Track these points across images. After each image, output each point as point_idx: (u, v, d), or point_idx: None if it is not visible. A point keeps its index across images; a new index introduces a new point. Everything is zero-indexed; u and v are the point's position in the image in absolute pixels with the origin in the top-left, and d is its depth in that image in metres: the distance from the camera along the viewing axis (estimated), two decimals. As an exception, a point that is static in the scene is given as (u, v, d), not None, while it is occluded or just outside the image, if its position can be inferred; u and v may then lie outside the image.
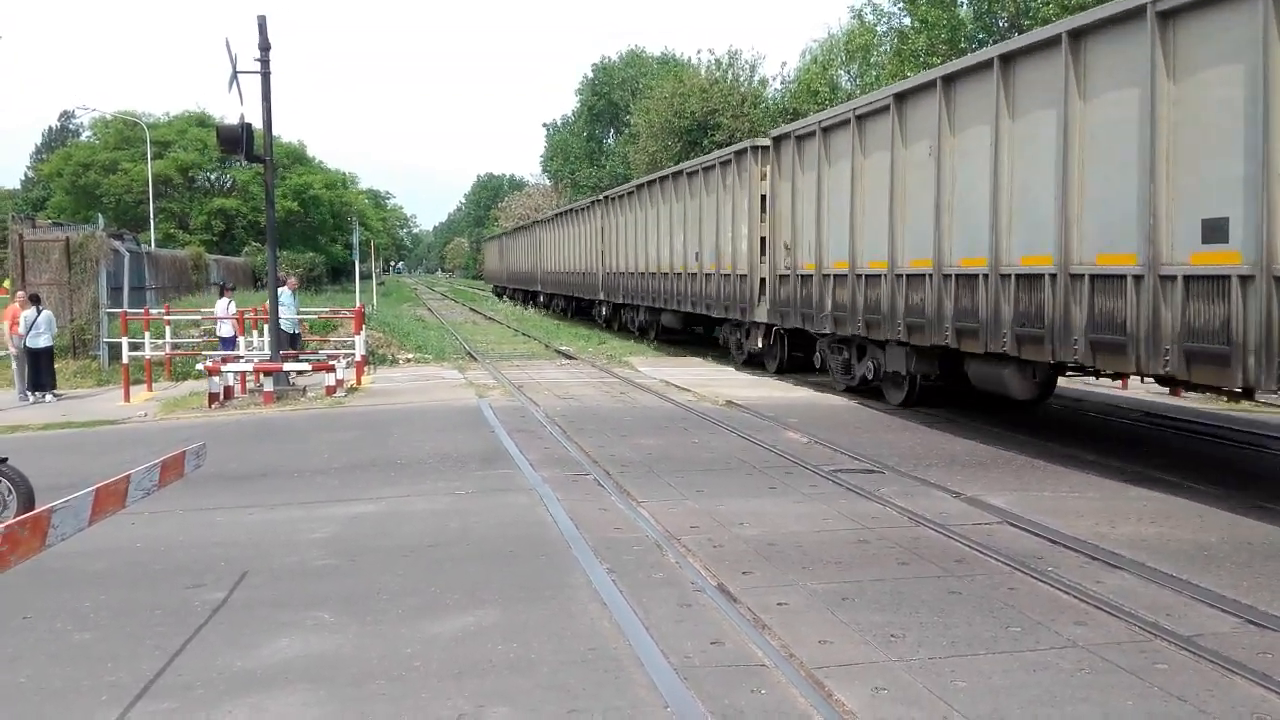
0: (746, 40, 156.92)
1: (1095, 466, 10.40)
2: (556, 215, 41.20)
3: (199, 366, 18.69)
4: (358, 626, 6.01)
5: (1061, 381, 14.28)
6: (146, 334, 19.45)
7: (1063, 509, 8.61)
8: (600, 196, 32.89)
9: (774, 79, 52.54)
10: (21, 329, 17.17)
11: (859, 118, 14.55)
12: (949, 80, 12.35)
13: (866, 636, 5.69)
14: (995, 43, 26.06)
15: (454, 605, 6.36)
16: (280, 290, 20.27)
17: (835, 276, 15.43)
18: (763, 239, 18.52)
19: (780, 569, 6.97)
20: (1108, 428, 13.20)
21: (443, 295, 75.63)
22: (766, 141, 18.62)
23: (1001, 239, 11.32)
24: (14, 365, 17.77)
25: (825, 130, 15.79)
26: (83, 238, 22.11)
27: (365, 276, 52.69)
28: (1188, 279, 8.86)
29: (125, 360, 17.96)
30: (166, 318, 21.15)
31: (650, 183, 26.51)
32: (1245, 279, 8.30)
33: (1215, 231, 8.63)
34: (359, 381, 18.50)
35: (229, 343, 20.46)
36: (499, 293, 62.66)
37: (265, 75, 16.54)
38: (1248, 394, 8.92)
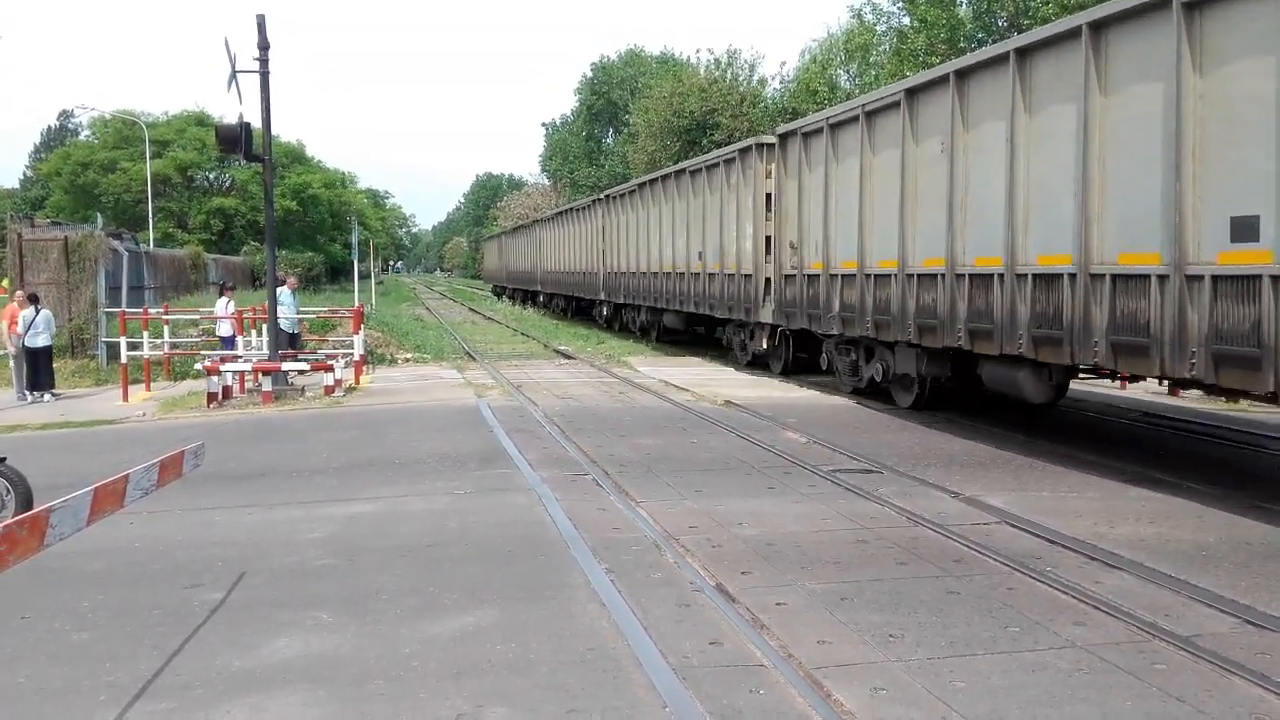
0: (745, 40, 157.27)
1: (1094, 466, 10.40)
2: (557, 214, 40.93)
3: (197, 366, 18.70)
4: (356, 626, 6.01)
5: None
6: (145, 333, 19.44)
7: (1061, 509, 8.62)
8: (601, 195, 32.60)
9: (773, 78, 52.49)
10: (20, 328, 17.16)
11: (868, 114, 14.28)
12: (962, 75, 12.06)
13: (865, 636, 5.69)
14: (994, 42, 26.08)
15: (452, 605, 6.36)
16: (280, 290, 20.28)
17: (843, 276, 15.14)
18: (768, 238, 18.29)
19: (779, 569, 6.97)
20: (1106, 428, 13.21)
21: (441, 295, 75.64)
22: (772, 139, 18.33)
23: (1018, 238, 11.05)
24: (12, 365, 17.76)
25: (833, 127, 15.49)
26: (81, 237, 22.11)
27: (364, 276, 52.68)
28: (1215, 279, 8.57)
29: (124, 360, 17.95)
30: (165, 317, 21.13)
31: (652, 181, 26.19)
32: (1277, 279, 8.05)
33: (1245, 230, 8.34)
34: (357, 381, 18.50)
35: (229, 342, 20.46)
36: (498, 292, 62.62)
37: (264, 75, 16.53)
38: (1277, 399, 8.55)
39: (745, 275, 19.11)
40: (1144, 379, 10.68)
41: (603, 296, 31.94)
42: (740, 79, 49.01)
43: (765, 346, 19.05)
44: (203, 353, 20.13)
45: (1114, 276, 9.69)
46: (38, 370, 17.49)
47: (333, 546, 7.81)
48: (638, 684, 5.10)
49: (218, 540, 8.07)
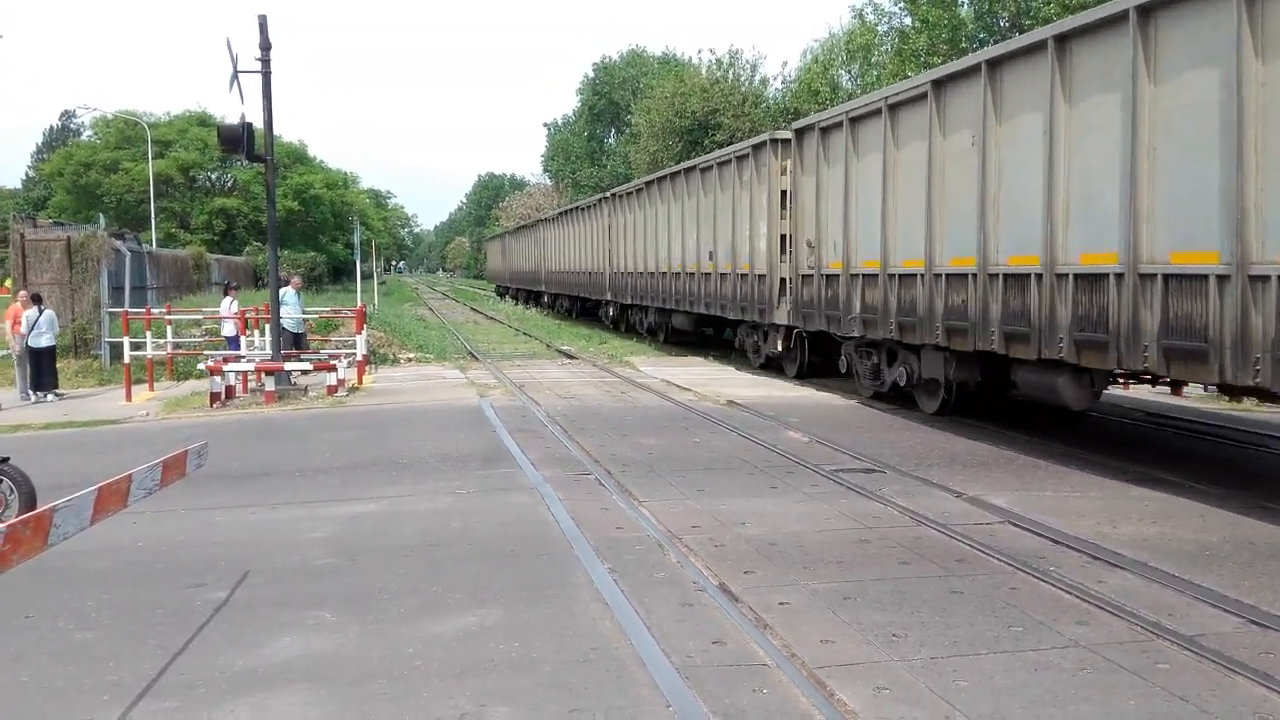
0: (747, 40, 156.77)
1: (1097, 466, 10.39)
2: (562, 213, 40.46)
3: (200, 366, 18.71)
4: (359, 626, 6.02)
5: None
6: (148, 333, 19.45)
7: (1064, 509, 8.61)
8: (608, 194, 32.13)
9: (775, 79, 52.45)
10: (23, 329, 17.18)
11: (891, 107, 13.71)
12: (995, 65, 11.51)
13: (868, 636, 5.69)
14: (995, 43, 26.04)
15: (455, 605, 6.36)
16: (284, 290, 20.32)
17: (865, 276, 14.59)
18: (783, 237, 17.75)
19: (782, 568, 6.97)
20: (1109, 427, 13.19)
21: (444, 295, 75.66)
22: (787, 134, 17.79)
23: (1057, 235, 10.48)
24: (16, 365, 17.78)
25: (854, 121, 14.91)
26: (84, 237, 22.12)
27: (366, 276, 52.76)
28: None
29: (127, 360, 17.97)
30: (168, 317, 21.16)
31: (661, 179, 25.69)
32: None
33: None
34: (360, 381, 18.50)
35: (234, 342, 20.48)
36: (501, 293, 62.56)
37: (266, 75, 16.55)
38: None
39: (759, 275, 18.59)
40: (1207, 389, 10.43)
41: (609, 297, 31.54)
42: (742, 79, 48.95)
43: (780, 349, 18.49)
44: (206, 353, 20.16)
45: (1166, 276, 9.12)
46: (41, 370, 17.51)
47: (335, 546, 7.81)
48: (641, 683, 5.10)
49: (220, 540, 8.07)
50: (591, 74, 74.07)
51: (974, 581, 6.66)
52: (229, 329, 20.89)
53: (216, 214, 58.96)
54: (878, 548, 7.47)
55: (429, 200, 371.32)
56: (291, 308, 20.37)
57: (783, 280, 17.85)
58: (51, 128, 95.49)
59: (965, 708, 4.76)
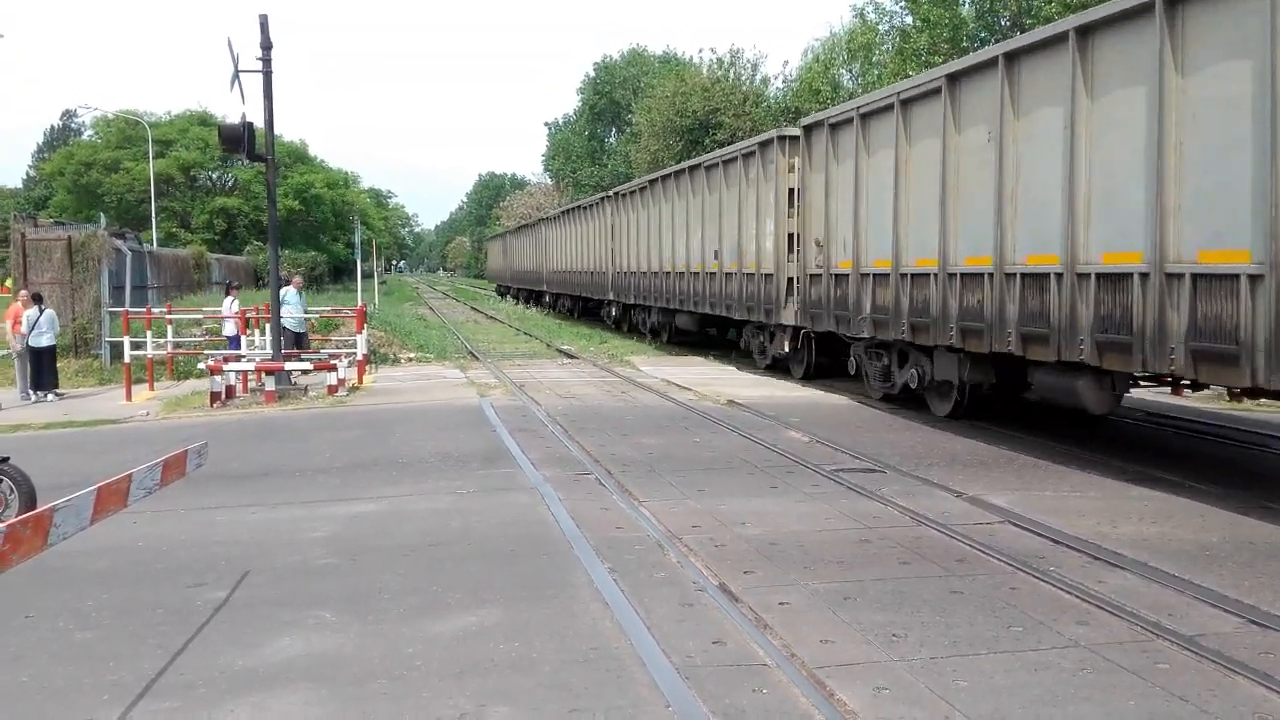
0: (748, 39, 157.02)
1: (1097, 466, 10.39)
2: (564, 212, 40.13)
3: (201, 365, 18.71)
4: (359, 626, 6.02)
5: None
6: (148, 333, 19.46)
7: (1064, 509, 8.61)
8: (611, 192, 31.71)
9: (776, 78, 52.44)
10: (24, 328, 17.19)
11: (904, 102, 13.39)
12: (1012, 58, 11.17)
13: (868, 636, 5.69)
14: (997, 42, 26.04)
15: (455, 604, 6.36)
16: (286, 289, 20.36)
17: (875, 276, 14.24)
18: (791, 236, 17.42)
19: (782, 568, 6.97)
20: (1109, 427, 13.19)
21: (444, 294, 75.67)
22: (795, 131, 17.41)
23: (1078, 234, 10.17)
24: (16, 364, 17.79)
25: (864, 117, 14.57)
26: (85, 237, 22.13)
27: (367, 275, 52.77)
28: None
29: (127, 359, 17.97)
30: (168, 317, 21.17)
31: (665, 177, 25.27)
32: None
33: None
34: (360, 381, 18.51)
35: (235, 342, 20.49)
36: (502, 292, 62.50)
37: (267, 74, 16.55)
38: None
39: (766, 275, 18.24)
40: (1233, 394, 10.15)
41: (611, 297, 31.17)
42: (743, 78, 48.96)
43: (787, 349, 18.16)
44: (206, 352, 20.16)
45: (1195, 276, 8.80)
46: (41, 370, 17.51)
47: (335, 546, 7.82)
48: (641, 683, 5.10)
49: (221, 539, 8.07)
50: (592, 73, 74.15)
51: (974, 581, 6.66)
52: (230, 329, 20.90)
53: (217, 213, 58.97)
54: (878, 548, 7.47)
55: (429, 200, 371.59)
56: (293, 307, 20.38)
57: (790, 280, 17.54)
58: (52, 127, 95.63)
59: (965, 708, 4.76)
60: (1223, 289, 8.58)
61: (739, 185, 19.61)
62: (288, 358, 17.76)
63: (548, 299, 45.14)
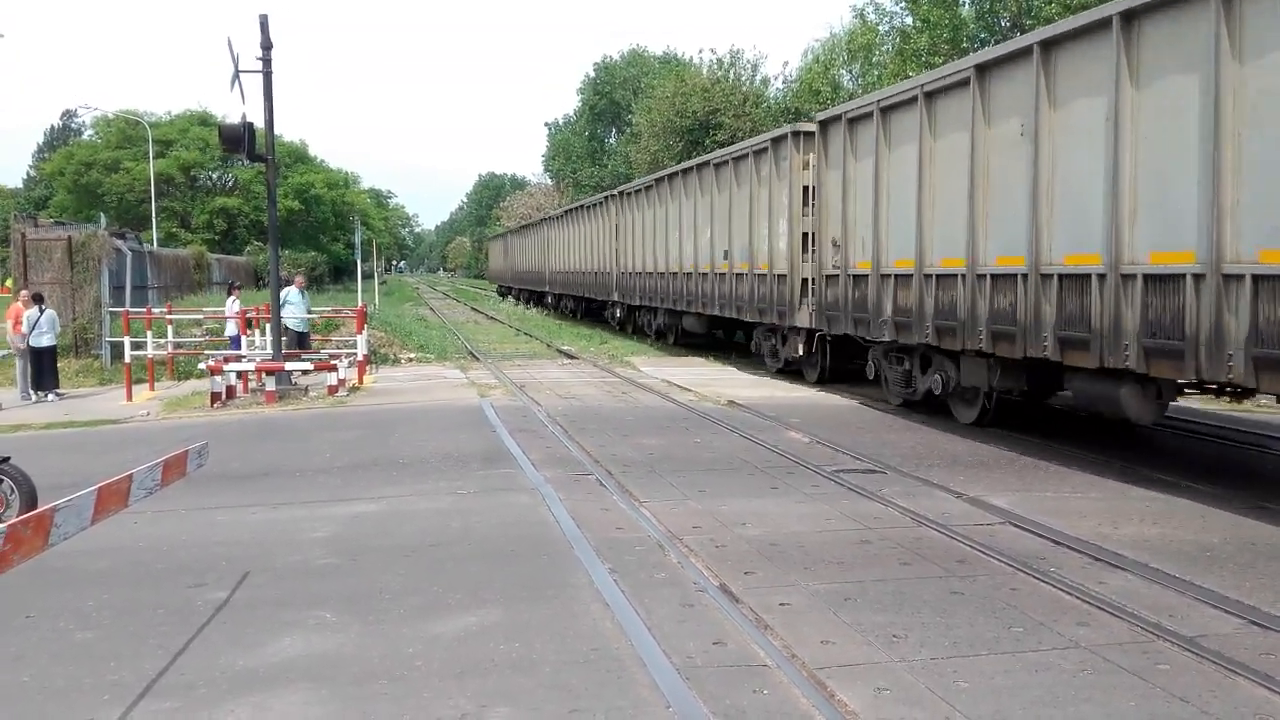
0: (748, 39, 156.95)
1: (1097, 467, 10.39)
2: (567, 212, 39.68)
3: (201, 366, 18.72)
4: (360, 626, 6.02)
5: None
6: (149, 333, 19.48)
7: (1065, 509, 8.61)
8: (615, 191, 31.21)
9: (775, 78, 52.49)
10: (24, 328, 17.19)
11: (928, 95, 12.77)
12: (1049, 46, 10.56)
13: (869, 637, 5.69)
14: (998, 42, 26.04)
15: (456, 605, 6.36)
16: (288, 289, 20.38)
17: (897, 277, 13.62)
18: (805, 235, 16.83)
19: (782, 569, 6.97)
20: (1109, 428, 13.18)
21: (445, 295, 75.68)
22: (810, 126, 16.80)
23: (1123, 233, 9.55)
24: (17, 364, 17.79)
25: (885, 111, 13.91)
26: (85, 237, 22.14)
27: (367, 276, 52.78)
28: None
29: (127, 359, 17.98)
30: (168, 317, 21.17)
31: (671, 175, 24.65)
32: None
33: None
34: (361, 381, 18.51)
35: (236, 342, 20.49)
36: (503, 293, 62.44)
37: (267, 74, 16.56)
38: None
39: (779, 275, 17.62)
40: None
41: (616, 298, 30.64)
42: (743, 79, 49.02)
43: (800, 353, 17.51)
44: (206, 352, 20.16)
45: (1256, 278, 8.23)
46: (42, 370, 17.52)
47: (336, 546, 7.82)
48: (641, 684, 5.10)
49: (221, 540, 8.08)
50: (592, 74, 74.22)
51: (974, 582, 6.66)
52: (232, 329, 20.90)
53: (217, 213, 58.98)
54: (878, 548, 7.47)
55: (430, 200, 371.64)
56: (296, 306, 20.40)
57: (804, 281, 16.97)
58: (52, 127, 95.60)
59: (966, 708, 4.76)
60: None
61: (750, 183, 19.03)
62: (289, 357, 17.76)
63: (550, 300, 44.68)
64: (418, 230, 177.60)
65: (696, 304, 22.52)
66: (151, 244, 38.88)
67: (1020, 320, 11.01)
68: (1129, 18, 9.49)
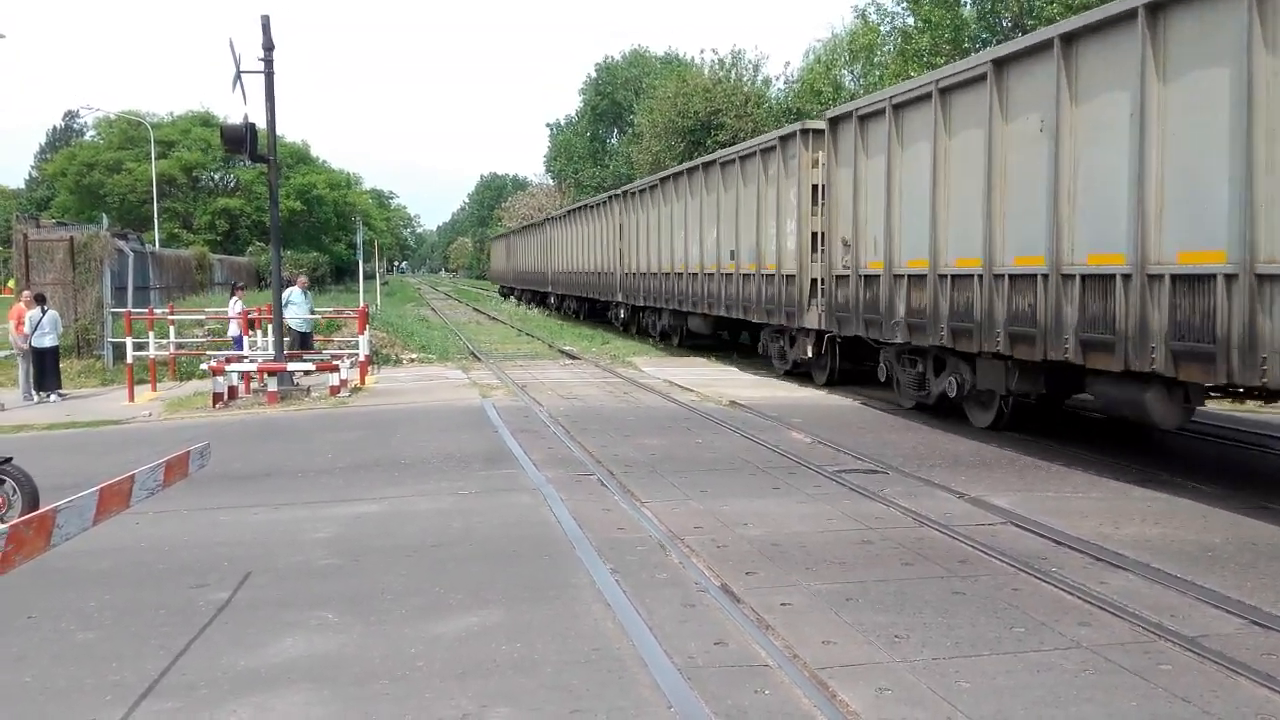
0: (750, 40, 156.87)
1: (1099, 467, 10.38)
2: (570, 211, 39.36)
3: (203, 366, 18.73)
4: (361, 626, 6.02)
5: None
6: (151, 334, 19.49)
7: (1066, 509, 8.61)
8: (619, 191, 30.90)
9: (777, 79, 52.52)
10: (26, 329, 17.21)
11: (943, 91, 12.47)
12: (1070, 40, 10.25)
13: (870, 637, 5.69)
14: (998, 43, 26.02)
15: (457, 605, 6.36)
16: (291, 290, 20.42)
17: (911, 277, 13.31)
18: (814, 235, 16.56)
19: (784, 569, 6.97)
20: (1111, 428, 13.17)
21: (446, 295, 75.70)
22: (819, 124, 16.55)
23: (1149, 232, 9.24)
24: (19, 365, 17.81)
25: (897, 107, 13.58)
26: (87, 237, 22.16)
27: (369, 276, 52.74)
28: None
29: (129, 360, 17.99)
30: (170, 317, 21.19)
31: (677, 175, 24.33)
32: None
33: None
34: (363, 381, 18.52)
35: (239, 342, 20.50)
36: (505, 293, 62.41)
37: (269, 75, 16.57)
38: None
39: (787, 276, 17.38)
40: None
41: (619, 298, 30.32)
42: (745, 79, 49.01)
43: (809, 355, 17.17)
44: (208, 353, 20.18)
45: None
46: (44, 370, 17.53)
47: (338, 546, 7.82)
48: (642, 684, 5.10)
49: (223, 540, 8.08)
50: (594, 74, 74.19)
51: (976, 582, 6.66)
52: (234, 329, 20.91)
53: (219, 214, 59.03)
54: (880, 548, 7.47)
55: (431, 200, 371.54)
56: (299, 307, 20.42)
57: (814, 281, 16.70)
58: (54, 128, 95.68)
59: (967, 708, 4.76)
60: None
61: (757, 182, 18.71)
62: (292, 358, 17.78)
63: (552, 300, 44.44)
64: (419, 231, 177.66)
65: (702, 305, 22.24)
66: (153, 245, 38.92)
67: (1040, 322, 10.73)
68: (1154, 9, 9.21)
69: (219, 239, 56.80)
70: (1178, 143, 9.07)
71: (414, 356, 24.09)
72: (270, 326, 18.88)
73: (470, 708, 4.86)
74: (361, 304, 26.43)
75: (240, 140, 15.97)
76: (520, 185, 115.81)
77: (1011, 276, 11.26)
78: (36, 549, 4.24)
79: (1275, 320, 8.11)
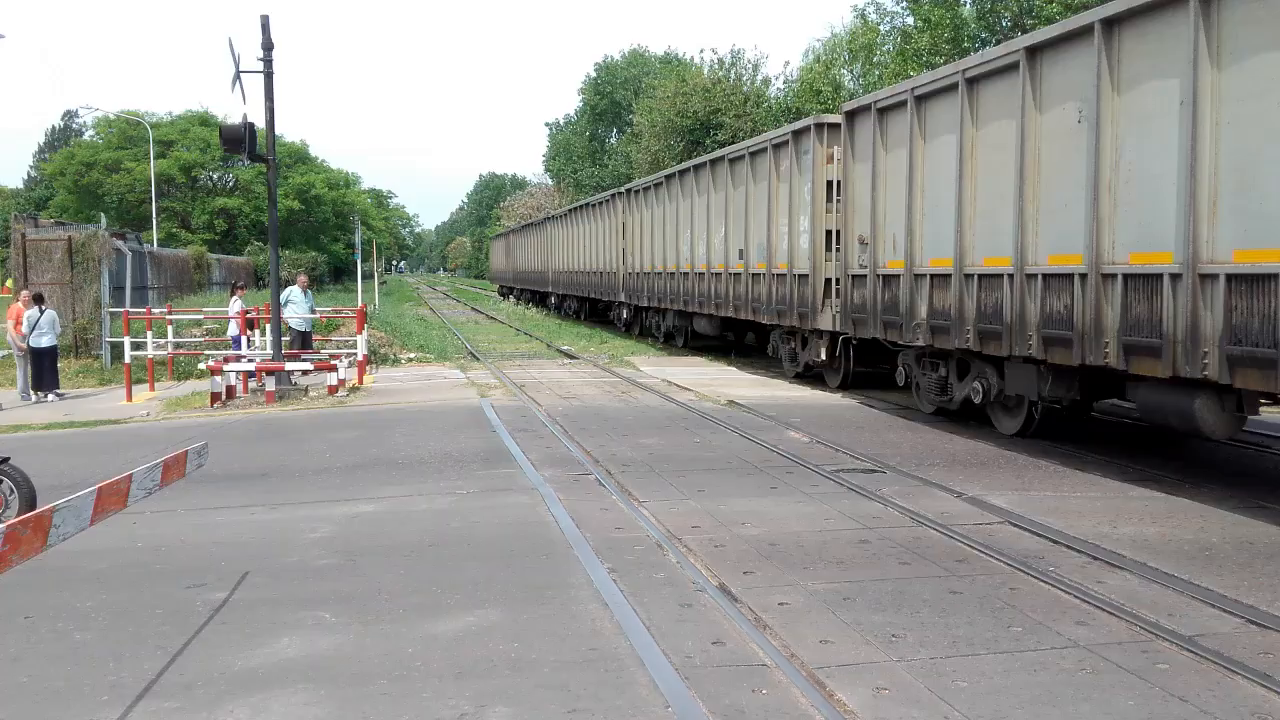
0: (749, 39, 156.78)
1: (1097, 466, 10.39)
2: (571, 210, 38.91)
3: (201, 366, 18.73)
4: (359, 626, 6.02)
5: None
6: (149, 333, 19.48)
7: (1064, 509, 8.61)
8: (623, 189, 29.98)
9: (776, 78, 52.49)
10: (25, 328, 17.20)
11: (970, 81, 11.90)
12: (1111, 24, 9.66)
13: (868, 636, 5.69)
14: (998, 43, 26.03)
15: (455, 605, 6.36)
16: (291, 289, 20.41)
17: (933, 277, 12.75)
18: (829, 233, 16.04)
19: (781, 569, 6.97)
20: (1109, 427, 13.18)
21: (445, 295, 75.71)
22: (835, 118, 15.96)
23: (1200, 229, 8.66)
24: (17, 365, 17.80)
25: (920, 99, 13.01)
26: (85, 237, 22.15)
27: (367, 276, 52.78)
28: None
29: (127, 360, 17.98)
30: (169, 317, 21.18)
31: (683, 172, 23.68)
32: None
33: None
34: (361, 381, 18.51)
35: (238, 342, 20.50)
36: (504, 293, 62.34)
37: (268, 75, 16.56)
38: None
39: (800, 275, 16.77)
40: None
41: (622, 298, 29.81)
42: (744, 79, 49.02)
43: (823, 357, 16.61)
44: (206, 352, 20.17)
45: None
46: (42, 370, 17.52)
47: (335, 546, 7.82)
48: (640, 684, 5.10)
49: (220, 540, 8.08)
50: (593, 73, 74.19)
51: (973, 582, 6.66)
52: (234, 329, 20.91)
53: (218, 214, 58.98)
54: (877, 548, 7.47)
55: (430, 200, 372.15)
56: (298, 306, 20.42)
57: (828, 281, 16.16)
58: (53, 127, 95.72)
59: (964, 708, 4.76)
60: None
61: (768, 179, 18.09)
62: (290, 357, 17.76)
63: (553, 300, 43.99)
64: (418, 230, 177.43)
65: (709, 305, 21.66)
66: (152, 244, 38.89)
67: (1077, 324, 10.13)
68: None
69: (217, 239, 56.77)
70: (1233, 133, 8.47)
71: (412, 356, 24.09)
72: (268, 326, 18.88)
73: (468, 707, 4.86)
74: (360, 303, 26.42)
75: (239, 140, 15.96)
76: (519, 185, 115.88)
77: (1045, 276, 10.69)
78: (33, 549, 4.23)
79: None
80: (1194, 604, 6.20)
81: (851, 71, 43.44)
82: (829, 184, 16.16)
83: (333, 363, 17.47)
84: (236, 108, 77.19)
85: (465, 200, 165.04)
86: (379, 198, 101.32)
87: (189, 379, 19.99)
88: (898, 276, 13.69)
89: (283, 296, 19.10)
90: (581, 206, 36.89)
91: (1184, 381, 9.10)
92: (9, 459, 8.11)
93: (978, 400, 12.43)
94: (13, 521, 4.22)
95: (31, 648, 5.80)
